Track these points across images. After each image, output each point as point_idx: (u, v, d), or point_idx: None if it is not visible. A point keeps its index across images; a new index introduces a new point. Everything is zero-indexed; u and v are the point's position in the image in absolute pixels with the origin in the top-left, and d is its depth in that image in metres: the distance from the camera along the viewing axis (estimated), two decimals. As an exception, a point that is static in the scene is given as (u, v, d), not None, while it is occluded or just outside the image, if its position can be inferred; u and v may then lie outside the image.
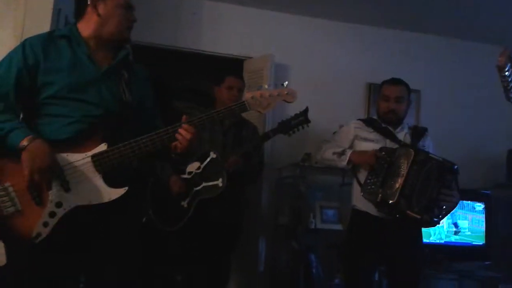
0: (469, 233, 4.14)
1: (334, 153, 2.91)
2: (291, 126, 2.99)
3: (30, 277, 1.75)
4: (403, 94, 2.95)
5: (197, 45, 4.26)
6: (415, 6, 4.14)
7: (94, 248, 1.82)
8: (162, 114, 2.12)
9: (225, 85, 3.20)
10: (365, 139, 2.94)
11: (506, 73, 2.36)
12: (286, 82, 2.03)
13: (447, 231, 4.08)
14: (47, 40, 1.87)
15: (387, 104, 2.93)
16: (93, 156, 1.78)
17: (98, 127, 1.82)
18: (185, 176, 3.00)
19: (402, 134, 2.95)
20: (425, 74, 4.57)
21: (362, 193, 2.80)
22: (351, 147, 2.97)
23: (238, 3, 4.29)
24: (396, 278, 2.86)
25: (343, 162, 2.88)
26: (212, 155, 2.99)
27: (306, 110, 2.99)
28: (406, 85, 2.99)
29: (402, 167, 2.71)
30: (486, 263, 4.10)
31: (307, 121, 2.99)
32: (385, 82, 3.02)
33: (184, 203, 2.96)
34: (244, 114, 2.75)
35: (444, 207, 2.70)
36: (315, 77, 4.35)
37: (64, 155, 1.76)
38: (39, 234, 1.70)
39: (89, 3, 1.89)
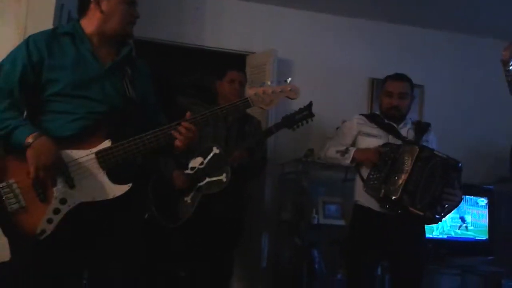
0: (472, 228, 4.13)
1: (337, 152, 2.91)
2: (295, 120, 2.97)
3: (34, 274, 1.76)
4: (406, 90, 2.93)
5: (200, 40, 4.24)
6: (418, 1, 4.12)
7: (98, 244, 1.82)
8: (166, 110, 2.11)
9: (227, 79, 3.20)
10: (368, 135, 2.94)
11: (510, 67, 2.36)
12: (290, 79, 2.02)
13: (450, 226, 4.08)
14: (50, 37, 1.87)
15: (390, 100, 2.92)
16: (97, 153, 1.79)
17: (102, 123, 1.83)
18: (188, 171, 2.99)
19: (405, 130, 2.94)
20: (428, 69, 4.55)
21: (364, 188, 2.80)
22: (354, 142, 2.97)
23: (241, -3, 4.28)
24: (399, 274, 2.86)
25: (347, 161, 2.88)
26: (215, 150, 2.97)
27: (310, 104, 2.96)
28: (410, 81, 2.98)
29: (406, 163, 2.71)
30: (489, 258, 4.08)
31: (312, 115, 2.96)
32: (388, 78, 3.01)
33: (188, 199, 2.96)
34: (247, 109, 2.74)
35: (447, 205, 2.70)
36: (317, 72, 4.33)
37: (69, 151, 1.76)
38: (43, 231, 1.70)
39: (92, 0, 1.88)
